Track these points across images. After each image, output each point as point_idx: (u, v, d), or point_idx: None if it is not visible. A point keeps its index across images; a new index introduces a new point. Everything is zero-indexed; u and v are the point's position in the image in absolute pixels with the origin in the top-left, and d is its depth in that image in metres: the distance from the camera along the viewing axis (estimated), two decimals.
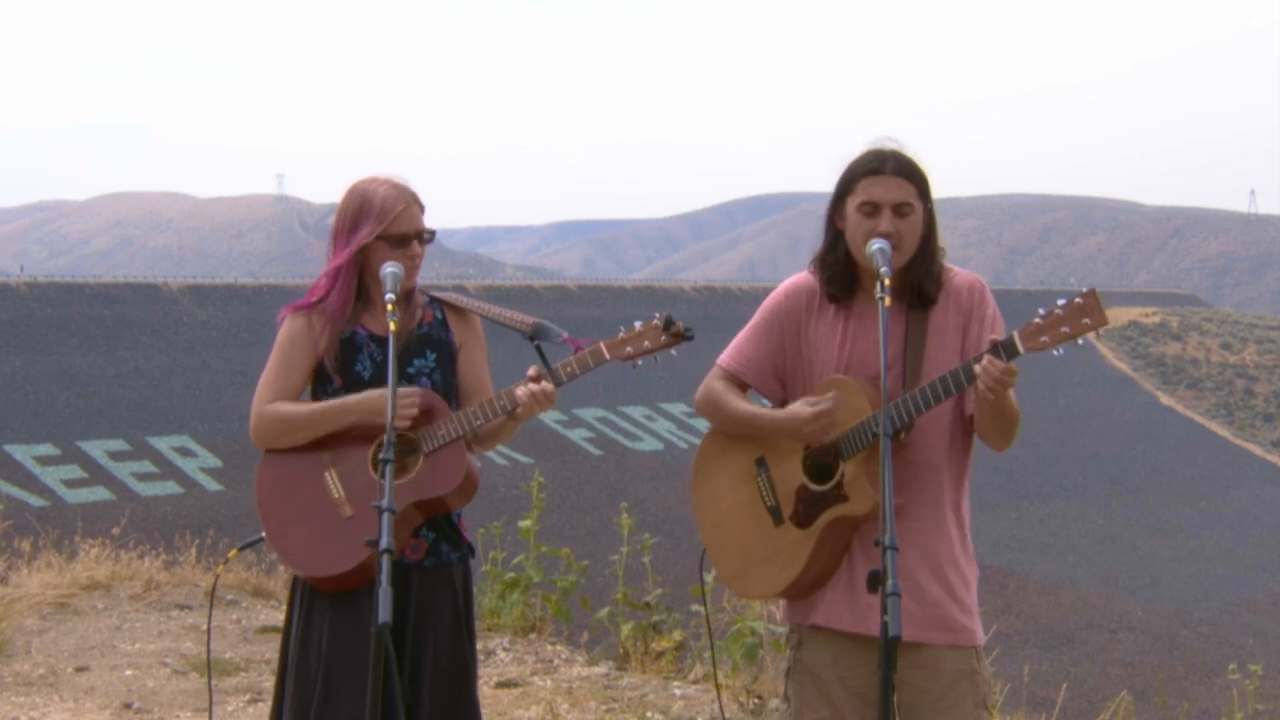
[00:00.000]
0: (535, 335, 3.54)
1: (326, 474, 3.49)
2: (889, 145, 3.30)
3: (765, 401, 3.53)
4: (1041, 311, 3.03)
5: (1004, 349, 3.05)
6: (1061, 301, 3.02)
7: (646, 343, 3.40)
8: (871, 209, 3.25)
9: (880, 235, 3.21)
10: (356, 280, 3.55)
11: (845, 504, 3.26)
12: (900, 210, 3.24)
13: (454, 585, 3.58)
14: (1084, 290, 2.99)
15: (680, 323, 3.40)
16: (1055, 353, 3.04)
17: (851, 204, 3.28)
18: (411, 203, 3.53)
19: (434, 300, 3.69)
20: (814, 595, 3.37)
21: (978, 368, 3.07)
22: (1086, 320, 2.98)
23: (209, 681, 4.34)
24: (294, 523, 3.50)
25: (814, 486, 3.31)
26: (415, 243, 3.52)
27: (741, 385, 3.49)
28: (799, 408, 3.29)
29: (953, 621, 3.29)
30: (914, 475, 3.29)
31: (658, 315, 3.42)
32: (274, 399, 3.53)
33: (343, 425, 3.48)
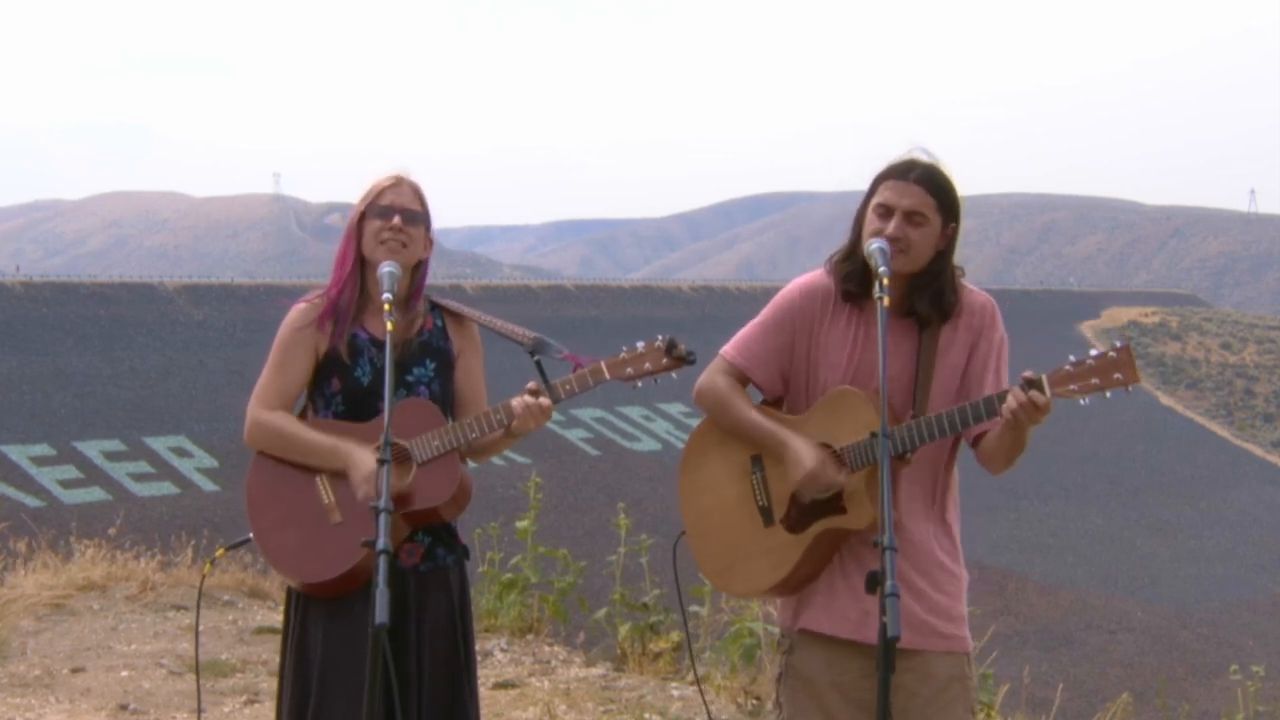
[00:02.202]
0: (535, 350, 3.51)
1: (318, 479, 3.46)
2: (923, 157, 3.28)
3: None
4: (1073, 359, 3.01)
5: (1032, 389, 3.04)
6: (1094, 352, 3.00)
7: (647, 364, 3.36)
8: (884, 211, 3.25)
9: (886, 237, 3.20)
10: (359, 267, 3.53)
11: (842, 516, 3.24)
12: (912, 218, 3.22)
13: (450, 588, 3.56)
14: (1118, 344, 2.98)
15: (683, 346, 3.36)
16: (1081, 402, 3.02)
17: (870, 205, 3.29)
18: (403, 182, 3.52)
19: (435, 307, 3.66)
20: (806, 600, 3.36)
21: (1010, 399, 3.03)
22: (1118, 375, 2.97)
23: (197, 681, 4.32)
24: (282, 526, 3.47)
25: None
26: (398, 216, 3.47)
27: (743, 379, 3.45)
28: (804, 453, 3.24)
29: (946, 628, 3.30)
30: (907, 487, 3.29)
31: (660, 337, 3.38)
32: (272, 401, 3.50)
33: (327, 467, 3.44)
